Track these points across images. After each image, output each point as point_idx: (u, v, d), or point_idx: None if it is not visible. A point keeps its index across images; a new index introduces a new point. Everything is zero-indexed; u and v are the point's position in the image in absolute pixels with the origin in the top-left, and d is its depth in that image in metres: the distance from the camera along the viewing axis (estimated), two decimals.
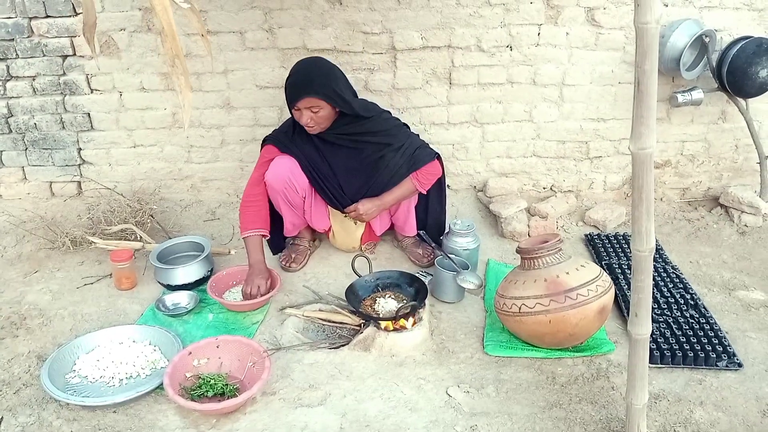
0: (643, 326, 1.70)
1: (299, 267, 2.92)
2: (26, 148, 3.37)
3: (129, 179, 3.42)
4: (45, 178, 3.43)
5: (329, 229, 2.97)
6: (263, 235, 2.71)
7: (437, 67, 3.19)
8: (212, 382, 2.13)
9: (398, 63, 3.18)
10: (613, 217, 3.30)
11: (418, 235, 2.91)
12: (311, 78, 2.56)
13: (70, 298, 2.71)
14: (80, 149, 3.37)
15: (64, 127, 3.32)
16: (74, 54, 3.17)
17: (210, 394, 2.10)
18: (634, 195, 1.54)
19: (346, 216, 2.88)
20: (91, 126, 3.32)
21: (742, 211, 3.31)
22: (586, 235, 3.21)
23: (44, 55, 3.16)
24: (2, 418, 2.04)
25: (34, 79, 3.21)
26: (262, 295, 2.57)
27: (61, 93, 3.24)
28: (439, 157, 2.80)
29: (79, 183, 3.44)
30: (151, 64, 3.18)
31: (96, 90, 3.24)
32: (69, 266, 2.95)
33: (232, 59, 3.17)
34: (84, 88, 3.23)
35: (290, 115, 2.72)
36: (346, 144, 2.73)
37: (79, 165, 3.40)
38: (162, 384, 2.08)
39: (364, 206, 2.74)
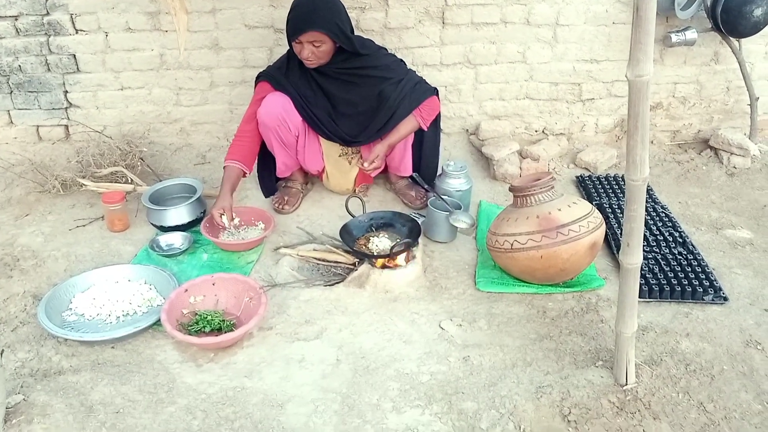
0: (634, 255, 1.74)
1: (292, 209, 2.92)
2: (11, 91, 3.30)
3: (117, 123, 3.38)
4: (32, 122, 3.37)
5: (322, 171, 2.97)
6: (243, 172, 2.71)
7: (430, 6, 3.14)
8: (209, 318, 2.16)
9: (390, 1, 3.12)
10: (605, 159, 3.32)
11: (412, 177, 2.92)
12: (315, 11, 2.51)
13: (63, 239, 2.71)
14: (66, 92, 3.30)
15: (49, 69, 3.25)
16: None
17: (207, 329, 2.13)
18: (630, 123, 1.55)
19: (340, 156, 2.88)
20: (77, 68, 3.25)
21: (732, 153, 3.34)
22: (577, 177, 3.24)
23: None
24: (2, 351, 2.06)
25: (16, 19, 3.12)
26: (222, 226, 2.62)
27: (45, 33, 3.16)
28: (437, 93, 2.79)
29: (67, 126, 3.39)
30: (136, 3, 3.09)
31: (81, 30, 3.16)
32: (60, 209, 2.94)
33: None
34: (68, 29, 3.15)
35: (283, 53, 2.68)
36: (343, 78, 2.70)
37: (66, 108, 3.34)
38: (159, 321, 2.11)
39: (379, 158, 2.70)
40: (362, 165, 2.73)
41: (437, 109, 2.80)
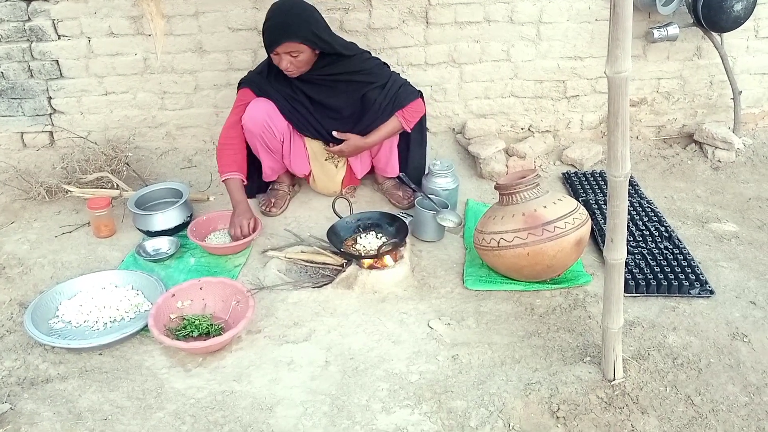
0: (618, 251, 1.74)
1: (279, 211, 2.92)
2: None
3: (102, 128, 3.36)
4: (16, 129, 3.34)
5: (309, 174, 2.97)
6: (243, 180, 2.71)
7: (413, 6, 3.14)
8: (197, 322, 2.15)
9: (373, 2, 3.12)
10: (590, 156, 3.33)
11: (398, 177, 2.92)
12: (289, 22, 2.49)
13: (49, 246, 2.69)
14: (50, 98, 3.28)
15: (32, 76, 3.22)
16: None
17: (195, 334, 2.13)
18: (610, 120, 1.56)
19: (326, 159, 2.88)
20: (60, 74, 3.23)
21: (716, 147, 3.36)
22: (563, 174, 3.25)
23: (7, 0, 3.04)
24: None
25: None
26: (246, 235, 2.58)
27: (27, 40, 3.14)
28: (421, 95, 2.79)
29: (51, 133, 3.36)
30: (119, 8, 3.08)
31: (63, 36, 3.14)
32: (46, 216, 2.92)
33: (203, 0, 3.08)
34: (51, 34, 3.13)
35: (265, 57, 2.67)
36: (327, 84, 2.70)
37: (50, 114, 3.32)
38: (146, 326, 2.10)
39: (348, 146, 2.73)
40: (330, 147, 2.76)
41: (422, 111, 2.80)
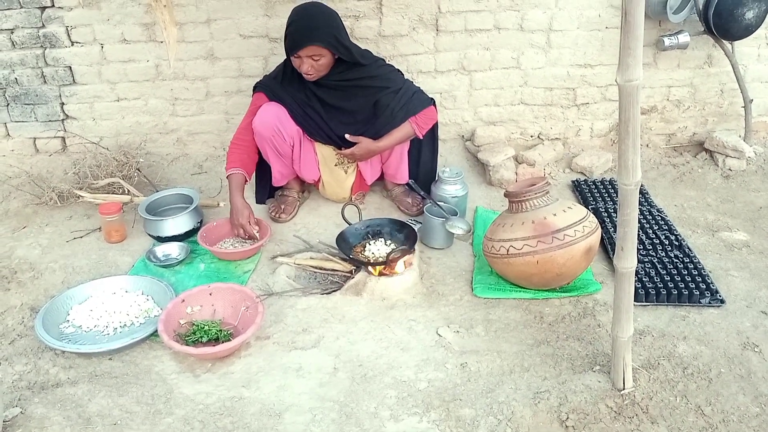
0: (628, 260, 1.74)
1: (289, 217, 2.93)
2: (8, 104, 3.30)
3: (114, 134, 3.38)
4: (28, 134, 3.38)
5: (319, 180, 2.97)
6: (246, 179, 2.72)
7: (423, 13, 3.15)
8: (206, 328, 2.16)
9: (384, 9, 3.13)
10: (600, 164, 3.33)
11: (408, 184, 2.92)
12: (314, 25, 2.51)
13: (60, 251, 2.71)
14: (63, 104, 3.31)
15: (45, 82, 3.26)
16: (53, 5, 3.08)
17: (204, 339, 2.13)
18: (621, 129, 1.55)
19: (336, 165, 2.89)
20: (73, 80, 3.26)
21: (727, 155, 3.35)
22: (573, 182, 3.24)
23: (21, 7, 3.07)
24: None
25: (12, 32, 3.13)
26: (249, 235, 2.63)
27: (41, 46, 3.17)
28: (434, 103, 2.81)
29: (63, 138, 3.39)
30: (132, 15, 3.11)
31: (77, 42, 3.17)
32: (57, 221, 2.94)
33: (214, 8, 3.10)
34: (64, 41, 3.16)
35: (279, 63, 2.68)
36: (341, 88, 2.71)
37: (63, 120, 3.35)
38: (156, 332, 2.11)
39: (360, 149, 2.74)
40: (342, 150, 2.78)
41: (434, 118, 2.81)
